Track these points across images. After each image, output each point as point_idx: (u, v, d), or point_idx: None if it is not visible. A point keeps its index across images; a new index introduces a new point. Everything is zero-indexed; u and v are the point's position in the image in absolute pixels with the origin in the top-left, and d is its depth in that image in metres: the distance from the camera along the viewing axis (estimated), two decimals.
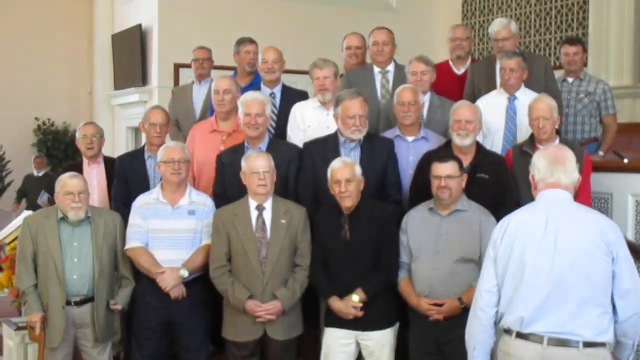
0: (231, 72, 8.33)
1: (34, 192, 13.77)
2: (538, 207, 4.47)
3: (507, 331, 4.39)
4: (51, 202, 13.18)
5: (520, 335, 4.30)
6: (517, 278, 4.33)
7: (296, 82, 8.08)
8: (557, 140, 6.23)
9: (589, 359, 4.19)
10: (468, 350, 4.59)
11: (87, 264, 5.98)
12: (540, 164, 4.53)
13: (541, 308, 4.24)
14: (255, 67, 7.98)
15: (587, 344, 4.18)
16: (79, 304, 5.97)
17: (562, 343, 4.20)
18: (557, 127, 6.30)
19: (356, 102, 6.17)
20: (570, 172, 4.48)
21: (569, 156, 4.54)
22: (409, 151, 6.44)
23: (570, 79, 7.87)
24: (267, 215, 5.88)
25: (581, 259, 4.23)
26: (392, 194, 6.26)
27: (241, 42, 8.30)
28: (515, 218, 4.50)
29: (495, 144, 6.82)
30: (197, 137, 7.02)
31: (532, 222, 4.39)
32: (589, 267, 4.23)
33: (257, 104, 6.29)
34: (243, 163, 5.93)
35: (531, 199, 5.50)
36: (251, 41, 8.28)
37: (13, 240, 6.85)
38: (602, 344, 4.23)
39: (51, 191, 13.23)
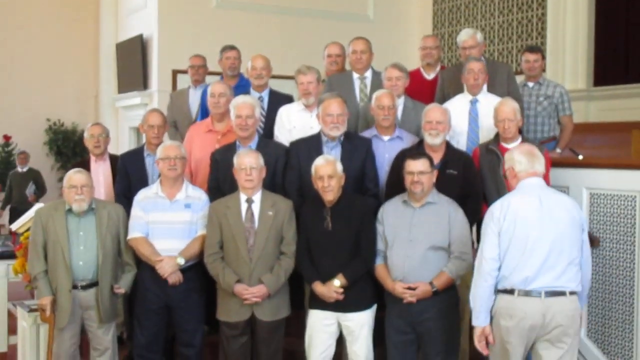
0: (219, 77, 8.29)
1: (20, 187, 13.63)
2: (528, 191, 5.06)
3: (510, 291, 4.93)
4: (37, 193, 13.21)
5: (522, 293, 4.90)
6: (521, 247, 4.90)
7: (282, 87, 8.02)
8: (520, 139, 6.24)
9: (572, 303, 4.94)
10: (474, 308, 5.06)
11: (92, 251, 5.94)
12: (521, 159, 5.13)
13: (540, 269, 4.87)
14: (237, 71, 8.04)
15: (571, 293, 4.94)
16: (85, 288, 5.94)
17: (556, 294, 4.89)
18: (519, 127, 6.29)
19: (335, 102, 6.16)
20: (542, 163, 5.19)
21: (539, 152, 5.24)
22: (385, 149, 6.40)
23: (530, 84, 7.85)
24: (256, 208, 5.85)
25: (567, 229, 4.98)
26: (370, 188, 6.24)
27: (223, 49, 8.26)
28: (514, 200, 5.03)
29: (461, 144, 6.80)
30: (194, 137, 6.99)
31: (529, 203, 4.99)
32: (571, 236, 4.99)
33: (247, 107, 6.28)
34: (234, 160, 5.91)
35: (495, 190, 5.60)
36: (231, 48, 8.24)
37: (26, 231, 6.79)
38: (577, 292, 5.00)
39: (37, 183, 13.30)
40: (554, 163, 6.49)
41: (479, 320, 5.03)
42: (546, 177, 6.13)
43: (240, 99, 6.42)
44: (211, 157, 6.45)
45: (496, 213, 4.99)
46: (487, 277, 4.96)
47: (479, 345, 5.07)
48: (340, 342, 5.87)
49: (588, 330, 6.55)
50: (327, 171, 5.62)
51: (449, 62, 13.35)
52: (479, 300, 5.01)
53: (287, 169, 6.31)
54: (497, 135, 6.32)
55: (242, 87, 7.58)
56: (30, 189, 13.42)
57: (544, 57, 8.13)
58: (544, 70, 8.28)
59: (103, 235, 5.97)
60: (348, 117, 6.32)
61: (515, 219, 4.93)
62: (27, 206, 12.15)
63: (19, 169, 13.96)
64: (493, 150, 6.21)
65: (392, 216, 5.69)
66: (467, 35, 7.59)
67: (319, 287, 5.66)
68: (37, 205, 6.86)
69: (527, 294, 4.89)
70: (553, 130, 7.78)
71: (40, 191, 13.70)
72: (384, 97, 6.39)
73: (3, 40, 14.93)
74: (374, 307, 5.79)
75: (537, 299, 4.88)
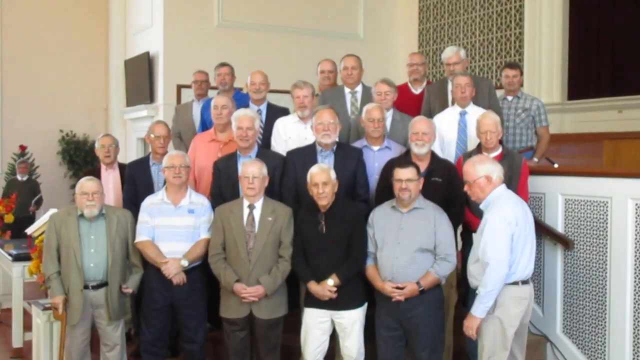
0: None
1: (19, 195, 12.62)
2: (512, 195, 5.41)
3: (515, 283, 5.24)
4: (38, 202, 13.01)
5: (524, 282, 5.29)
6: (527, 246, 5.26)
7: (279, 100, 8.01)
8: (500, 149, 6.24)
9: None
10: (484, 303, 5.18)
11: (102, 254, 5.93)
12: (495, 167, 5.35)
13: (530, 262, 5.31)
14: (227, 86, 8.04)
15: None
16: (95, 287, 5.93)
17: (529, 279, 5.37)
18: (500, 138, 6.29)
19: (326, 112, 6.18)
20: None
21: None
22: (375, 158, 6.39)
23: (509, 98, 7.85)
24: (257, 213, 5.84)
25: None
26: (361, 194, 6.22)
27: (216, 67, 8.27)
28: (518, 205, 5.31)
29: (450, 153, 6.82)
30: (198, 146, 6.97)
31: (522, 208, 5.32)
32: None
33: (247, 119, 6.27)
34: (240, 168, 5.94)
35: None
36: (222, 65, 8.23)
37: (41, 234, 6.78)
38: None
39: (37, 194, 13.06)
40: (531, 171, 6.50)
41: (483, 313, 5.22)
42: (524, 185, 6.19)
43: (241, 112, 6.41)
44: (214, 165, 6.44)
45: (509, 218, 5.17)
46: (505, 277, 5.19)
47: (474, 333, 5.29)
48: (334, 337, 5.84)
49: (564, 327, 6.55)
50: (322, 178, 5.61)
51: (434, 78, 13.36)
52: (493, 293, 5.17)
53: (284, 176, 6.29)
54: (479, 145, 6.31)
55: (238, 99, 7.53)
56: (35, 199, 13.18)
57: (522, 73, 8.14)
58: (522, 85, 8.29)
59: (112, 239, 5.96)
60: (340, 129, 6.32)
61: (521, 222, 5.21)
62: (27, 214, 12.11)
63: (19, 178, 13.65)
64: None
65: (381, 220, 5.67)
66: (451, 52, 7.63)
67: (313, 287, 5.64)
68: (51, 211, 6.83)
69: (525, 282, 5.30)
70: (531, 140, 7.78)
71: (39, 201, 13.36)
72: (373, 110, 6.38)
73: (20, 59, 14.89)
74: (365, 305, 5.77)
75: (529, 286, 5.35)
